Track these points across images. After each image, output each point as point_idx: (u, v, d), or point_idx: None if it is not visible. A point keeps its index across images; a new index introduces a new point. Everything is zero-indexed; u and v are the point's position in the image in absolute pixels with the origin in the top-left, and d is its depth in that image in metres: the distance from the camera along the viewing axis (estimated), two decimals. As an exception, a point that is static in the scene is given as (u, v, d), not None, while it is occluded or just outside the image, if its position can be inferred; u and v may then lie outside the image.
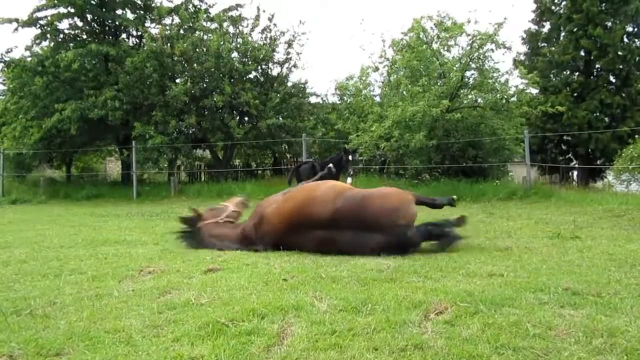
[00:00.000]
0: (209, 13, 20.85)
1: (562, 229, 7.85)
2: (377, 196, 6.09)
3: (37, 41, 20.00)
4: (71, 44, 19.96)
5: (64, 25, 20.35)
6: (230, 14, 20.77)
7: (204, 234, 6.56)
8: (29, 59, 19.39)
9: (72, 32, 20.65)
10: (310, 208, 5.97)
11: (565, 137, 27.23)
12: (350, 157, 11.69)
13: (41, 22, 19.48)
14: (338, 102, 22.98)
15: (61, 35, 20.24)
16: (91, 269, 5.32)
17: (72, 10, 19.45)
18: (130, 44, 21.16)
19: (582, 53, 26.91)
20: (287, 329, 3.19)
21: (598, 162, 26.40)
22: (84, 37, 20.57)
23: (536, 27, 30.40)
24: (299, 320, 3.35)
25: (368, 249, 5.67)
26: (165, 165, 21.55)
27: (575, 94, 26.72)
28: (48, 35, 19.87)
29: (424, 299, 3.72)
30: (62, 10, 19.45)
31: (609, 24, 26.48)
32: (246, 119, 20.38)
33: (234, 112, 20.17)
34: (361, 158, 18.39)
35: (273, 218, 6.19)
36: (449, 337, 3.01)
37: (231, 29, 20.51)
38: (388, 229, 5.73)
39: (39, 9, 19.26)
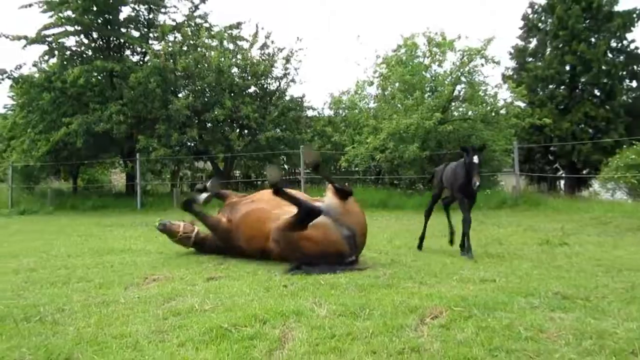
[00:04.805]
0: (212, 30, 20.91)
1: (550, 236, 7.89)
2: None
3: (45, 58, 20.01)
4: (77, 61, 19.97)
5: (70, 42, 20.39)
6: (230, 32, 20.82)
7: None
8: (36, 75, 19.40)
9: (79, 49, 20.66)
10: None
11: (551, 148, 27.32)
12: (475, 159, 6.51)
13: (49, 39, 19.49)
14: (333, 115, 23.00)
15: (68, 52, 20.23)
16: (98, 276, 5.31)
17: (79, 29, 19.48)
18: (135, 60, 21.19)
19: (567, 68, 27.05)
20: (288, 333, 3.20)
21: (583, 172, 26.47)
22: (90, 53, 20.57)
23: (523, 43, 30.61)
24: (300, 325, 3.35)
25: None
26: (168, 176, 21.49)
27: (561, 107, 26.82)
28: (55, 52, 19.88)
29: (420, 304, 3.73)
30: (69, 28, 19.48)
31: (593, 39, 26.67)
32: (246, 131, 20.37)
33: (234, 125, 20.18)
34: (357, 169, 18.37)
35: None
36: (445, 340, 3.02)
37: (231, 46, 20.56)
38: None
39: (46, 27, 19.25)
